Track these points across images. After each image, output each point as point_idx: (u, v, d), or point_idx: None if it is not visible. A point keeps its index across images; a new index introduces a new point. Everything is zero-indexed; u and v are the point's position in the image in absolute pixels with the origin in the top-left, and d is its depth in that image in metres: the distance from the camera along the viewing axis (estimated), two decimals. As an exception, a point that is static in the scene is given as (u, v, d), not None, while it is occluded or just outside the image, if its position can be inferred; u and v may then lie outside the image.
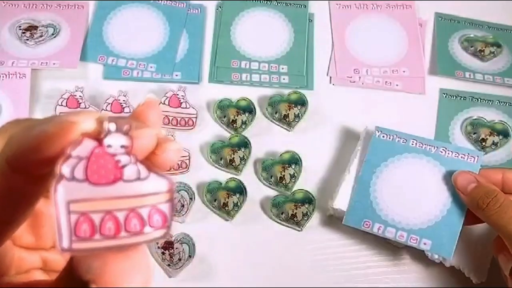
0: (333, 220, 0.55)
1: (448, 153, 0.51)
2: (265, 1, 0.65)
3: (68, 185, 0.17)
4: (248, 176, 0.56)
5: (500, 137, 0.59)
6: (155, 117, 0.20)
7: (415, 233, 0.49)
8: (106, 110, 0.55)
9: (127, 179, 0.18)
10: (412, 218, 0.49)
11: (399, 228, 0.49)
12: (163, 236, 0.18)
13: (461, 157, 0.50)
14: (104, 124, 0.18)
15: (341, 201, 0.52)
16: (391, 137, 0.52)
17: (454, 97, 0.62)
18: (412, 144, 0.52)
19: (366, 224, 0.50)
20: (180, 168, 0.55)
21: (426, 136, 0.53)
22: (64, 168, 0.17)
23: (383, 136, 0.52)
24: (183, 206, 0.53)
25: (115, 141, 0.18)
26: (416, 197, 0.50)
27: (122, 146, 0.18)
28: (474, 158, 0.50)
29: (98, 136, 0.18)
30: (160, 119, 0.21)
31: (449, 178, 0.50)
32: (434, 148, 0.51)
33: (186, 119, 0.57)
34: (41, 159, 0.18)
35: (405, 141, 0.52)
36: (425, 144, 0.51)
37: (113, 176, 0.18)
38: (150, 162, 0.19)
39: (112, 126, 0.18)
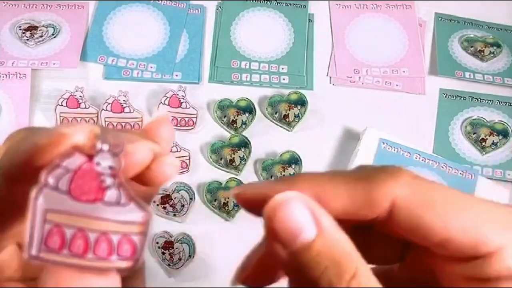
0: (333, 220, 0.55)
1: (449, 169, 0.53)
2: (265, 1, 0.65)
3: (50, 194, 0.17)
4: (248, 176, 0.56)
5: (500, 137, 0.59)
6: (167, 135, 0.20)
7: None
8: (106, 110, 0.55)
9: (107, 201, 0.18)
10: None
11: None
12: (127, 268, 0.18)
13: (460, 174, 0.53)
14: (98, 144, 0.18)
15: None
16: (396, 149, 0.53)
17: (454, 97, 0.62)
18: (416, 158, 0.53)
19: None
20: (180, 168, 0.55)
21: (427, 137, 0.54)
22: (50, 177, 0.17)
23: (388, 148, 0.53)
24: (183, 206, 0.53)
25: (104, 161, 0.18)
26: None
27: (110, 167, 0.18)
28: (471, 175, 0.52)
29: (90, 152, 0.18)
30: (172, 136, 0.20)
31: None
32: (436, 163, 0.53)
33: (186, 119, 0.57)
34: (33, 170, 0.18)
35: (409, 154, 0.53)
36: (427, 159, 0.53)
37: (94, 196, 0.18)
38: (144, 177, 0.19)
39: (105, 147, 0.18)
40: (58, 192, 0.17)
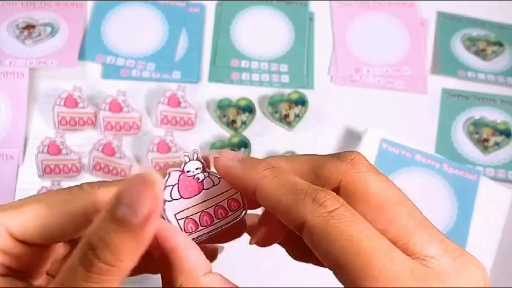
0: (334, 221, 0.55)
1: (451, 169, 0.52)
2: (266, 0, 0.65)
3: (170, 205, 0.26)
4: (248, 177, 0.55)
5: (503, 137, 0.59)
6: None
7: None
8: (105, 109, 0.54)
9: (207, 187, 0.26)
10: None
11: None
12: (242, 213, 0.26)
13: (462, 174, 0.53)
14: (182, 157, 0.26)
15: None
16: (398, 149, 0.53)
17: (456, 96, 0.62)
18: (418, 158, 0.53)
19: None
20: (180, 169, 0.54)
21: (429, 139, 0.53)
22: (165, 195, 0.26)
23: (390, 148, 0.53)
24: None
25: (191, 166, 0.26)
26: (424, 210, 0.52)
27: (197, 168, 0.26)
28: (474, 175, 0.52)
29: (180, 167, 0.26)
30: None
31: (453, 192, 0.52)
32: (438, 163, 0.53)
33: (186, 119, 0.56)
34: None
35: (411, 154, 0.53)
36: (429, 159, 0.53)
37: (197, 189, 0.26)
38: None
39: (187, 159, 0.26)
40: (175, 201, 0.26)
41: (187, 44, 0.61)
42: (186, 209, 0.26)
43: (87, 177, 0.54)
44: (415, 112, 0.60)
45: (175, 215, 0.25)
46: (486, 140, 0.59)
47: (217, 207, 0.26)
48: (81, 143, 0.55)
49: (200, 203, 0.26)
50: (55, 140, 0.53)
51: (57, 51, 0.59)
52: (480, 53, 0.64)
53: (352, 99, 0.61)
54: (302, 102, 0.58)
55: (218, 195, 0.26)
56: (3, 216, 0.23)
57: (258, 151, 0.56)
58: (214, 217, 0.26)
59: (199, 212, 0.26)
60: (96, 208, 0.24)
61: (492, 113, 0.60)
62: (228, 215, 0.26)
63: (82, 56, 0.59)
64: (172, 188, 0.26)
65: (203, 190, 0.26)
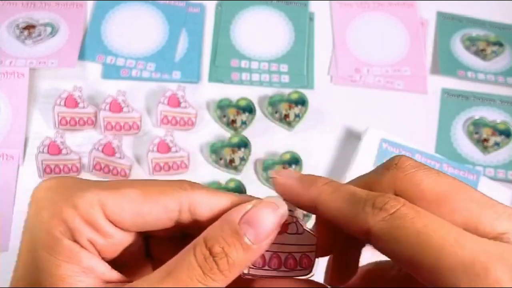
0: (333, 221, 0.55)
1: (451, 169, 0.53)
2: (266, 0, 0.65)
3: None
4: (248, 176, 0.55)
5: (502, 137, 0.59)
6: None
7: None
8: (105, 110, 0.55)
9: (289, 232, 0.25)
10: None
11: None
12: (307, 274, 0.25)
13: (462, 174, 0.53)
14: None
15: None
16: (397, 149, 0.53)
17: (456, 96, 0.62)
18: (418, 158, 0.53)
19: None
20: (180, 168, 0.54)
21: (428, 136, 0.53)
22: None
23: (390, 148, 0.53)
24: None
25: (283, 207, 0.24)
26: None
27: (290, 210, 0.25)
28: (474, 175, 0.52)
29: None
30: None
31: None
32: (438, 163, 0.53)
33: (186, 119, 0.56)
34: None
35: (411, 154, 0.53)
36: (429, 159, 0.53)
37: (282, 229, 0.24)
38: None
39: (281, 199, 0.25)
40: None
41: (187, 44, 0.62)
42: None
43: (87, 177, 0.54)
44: (415, 112, 0.61)
45: None
46: (486, 140, 0.59)
47: (289, 256, 0.25)
48: (81, 143, 0.55)
49: (277, 243, 0.24)
50: (55, 140, 0.53)
51: (57, 51, 0.59)
52: (480, 53, 0.64)
53: (352, 99, 0.61)
54: (302, 102, 0.58)
55: (296, 245, 0.25)
56: (101, 194, 0.23)
57: (258, 151, 0.56)
58: (283, 264, 0.25)
59: (272, 251, 0.25)
60: (191, 208, 0.24)
61: (492, 113, 0.61)
62: (296, 269, 0.25)
63: (82, 56, 0.59)
64: None
65: (285, 233, 0.25)
